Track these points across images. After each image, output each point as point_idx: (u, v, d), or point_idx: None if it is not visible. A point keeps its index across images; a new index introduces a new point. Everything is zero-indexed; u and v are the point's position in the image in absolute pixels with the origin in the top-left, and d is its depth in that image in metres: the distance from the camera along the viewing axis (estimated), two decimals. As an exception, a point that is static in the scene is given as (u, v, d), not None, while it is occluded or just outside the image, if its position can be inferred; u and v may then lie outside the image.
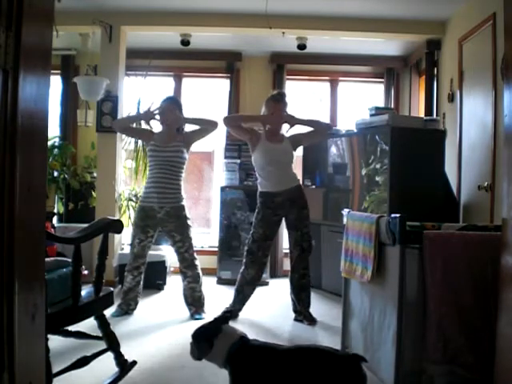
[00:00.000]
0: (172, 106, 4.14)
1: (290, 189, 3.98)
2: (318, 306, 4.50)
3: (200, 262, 4.24)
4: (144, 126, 4.58)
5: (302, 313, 4.03)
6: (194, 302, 4.08)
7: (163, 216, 4.02)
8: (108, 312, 2.82)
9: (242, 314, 4.07)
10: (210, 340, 2.08)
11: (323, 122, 4.24)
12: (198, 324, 2.22)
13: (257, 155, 4.02)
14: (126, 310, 4.05)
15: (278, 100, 4.02)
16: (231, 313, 3.96)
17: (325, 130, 4.20)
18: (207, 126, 4.17)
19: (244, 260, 4.05)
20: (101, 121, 5.20)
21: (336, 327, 3.42)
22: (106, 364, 2.65)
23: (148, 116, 4.22)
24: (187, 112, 4.33)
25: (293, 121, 4.07)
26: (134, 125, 4.63)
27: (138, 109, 5.53)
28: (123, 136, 5.38)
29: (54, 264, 2.48)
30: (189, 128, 4.30)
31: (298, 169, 6.22)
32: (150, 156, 4.11)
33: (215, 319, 2.15)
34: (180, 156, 4.07)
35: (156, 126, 4.29)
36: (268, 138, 4.02)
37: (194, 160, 6.78)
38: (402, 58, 6.11)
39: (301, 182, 4.32)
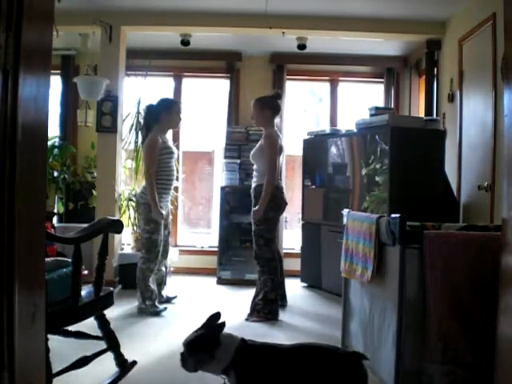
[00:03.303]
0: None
1: (253, 186, 4.17)
2: (318, 306, 4.50)
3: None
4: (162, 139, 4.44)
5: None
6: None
7: (168, 214, 4.33)
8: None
9: (240, 315, 4.07)
10: (212, 352, 2.01)
11: None
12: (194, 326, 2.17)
13: None
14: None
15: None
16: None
17: None
18: None
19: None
20: (101, 121, 5.20)
21: (336, 327, 3.42)
22: (106, 364, 2.65)
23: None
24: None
25: None
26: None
27: (138, 109, 5.53)
28: (123, 136, 5.42)
29: (54, 264, 2.48)
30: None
31: (297, 169, 6.25)
32: (167, 159, 4.15)
33: (212, 329, 2.06)
34: None
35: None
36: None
37: (194, 160, 6.79)
38: (401, 57, 6.10)
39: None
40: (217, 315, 2.12)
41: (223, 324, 2.07)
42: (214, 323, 2.09)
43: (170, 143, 4.30)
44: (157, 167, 4.08)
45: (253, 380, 2.04)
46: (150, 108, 4.29)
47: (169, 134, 4.51)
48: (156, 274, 4.26)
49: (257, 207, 4.00)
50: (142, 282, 4.10)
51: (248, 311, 4.08)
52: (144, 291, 4.08)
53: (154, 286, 4.14)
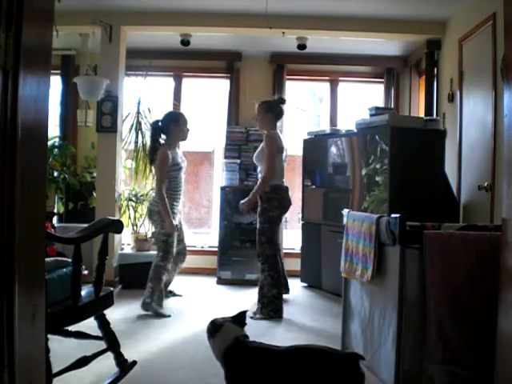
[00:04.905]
0: None
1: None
2: (318, 306, 4.50)
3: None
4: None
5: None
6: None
7: (180, 222, 4.44)
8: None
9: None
10: (209, 338, 2.20)
11: None
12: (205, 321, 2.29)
13: None
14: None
15: None
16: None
17: None
18: None
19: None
20: (101, 121, 5.20)
21: (336, 327, 3.42)
22: (106, 364, 2.65)
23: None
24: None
25: None
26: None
27: (138, 109, 5.53)
28: (123, 136, 5.42)
29: (54, 264, 2.48)
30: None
31: (297, 169, 6.25)
32: (175, 174, 4.22)
33: (216, 323, 2.21)
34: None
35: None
36: None
37: (194, 160, 6.78)
38: (401, 58, 6.10)
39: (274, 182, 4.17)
40: (244, 313, 2.27)
41: (218, 326, 2.16)
42: (237, 318, 2.23)
43: (179, 156, 4.31)
44: (166, 181, 4.19)
45: (243, 380, 2.07)
46: (156, 124, 4.31)
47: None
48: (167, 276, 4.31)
49: (245, 199, 4.11)
50: (155, 280, 4.11)
51: (248, 310, 4.10)
52: (156, 288, 4.08)
53: (162, 286, 4.19)
